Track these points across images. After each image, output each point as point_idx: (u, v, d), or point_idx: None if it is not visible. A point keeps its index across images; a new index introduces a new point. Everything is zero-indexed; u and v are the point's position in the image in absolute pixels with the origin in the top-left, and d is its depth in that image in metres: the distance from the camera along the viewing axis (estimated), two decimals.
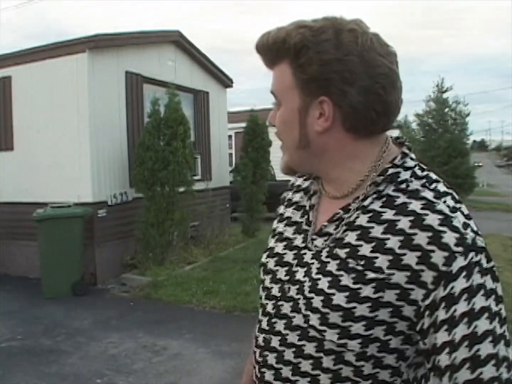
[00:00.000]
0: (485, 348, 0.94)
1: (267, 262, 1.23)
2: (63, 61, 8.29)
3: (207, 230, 10.30)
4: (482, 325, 0.95)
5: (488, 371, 0.94)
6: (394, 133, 1.28)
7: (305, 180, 1.29)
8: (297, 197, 1.28)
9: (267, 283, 1.21)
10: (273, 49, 1.08)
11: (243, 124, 11.88)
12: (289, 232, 1.22)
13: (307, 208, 1.21)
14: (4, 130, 9.09)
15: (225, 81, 12.10)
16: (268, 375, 1.15)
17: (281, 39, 1.05)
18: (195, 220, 9.86)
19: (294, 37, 1.04)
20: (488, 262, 0.99)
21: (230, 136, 17.74)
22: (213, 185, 11.15)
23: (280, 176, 16.27)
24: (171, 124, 8.36)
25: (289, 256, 1.17)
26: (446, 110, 21.25)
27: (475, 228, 1.01)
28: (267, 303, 1.20)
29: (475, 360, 0.94)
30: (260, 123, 11.29)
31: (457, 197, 1.06)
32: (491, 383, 0.93)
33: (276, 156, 13.97)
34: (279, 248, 1.21)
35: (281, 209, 1.32)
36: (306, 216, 1.20)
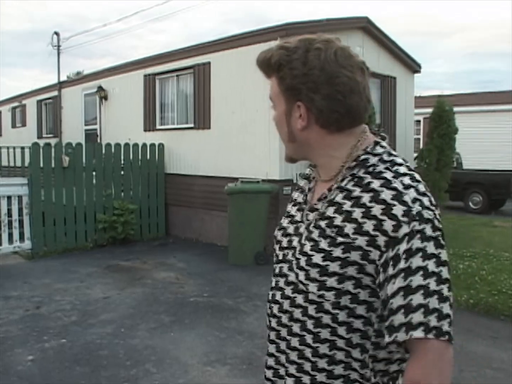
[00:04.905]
0: (417, 299, 1.15)
1: (277, 234, 1.52)
2: (256, 48, 8.86)
3: None
4: (416, 280, 1.15)
5: (417, 317, 1.14)
6: None
7: (311, 170, 1.55)
8: (302, 183, 1.56)
9: (277, 250, 1.50)
10: (264, 65, 1.39)
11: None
12: (293, 210, 1.51)
13: (306, 190, 1.49)
14: (203, 111, 10.08)
15: (412, 66, 11.95)
16: (273, 322, 1.44)
17: (268, 58, 1.36)
18: None
19: (274, 57, 1.34)
20: (434, 231, 1.19)
21: (418, 122, 17.32)
22: None
23: (468, 165, 15.67)
24: None
25: (291, 229, 1.46)
26: None
27: (426, 204, 1.20)
28: (276, 267, 1.49)
29: (408, 307, 1.15)
30: (447, 109, 10.99)
31: (417, 177, 1.26)
32: (418, 327, 1.13)
33: (462, 143, 13.43)
34: (285, 223, 1.51)
35: (294, 195, 1.60)
36: (305, 197, 1.48)
